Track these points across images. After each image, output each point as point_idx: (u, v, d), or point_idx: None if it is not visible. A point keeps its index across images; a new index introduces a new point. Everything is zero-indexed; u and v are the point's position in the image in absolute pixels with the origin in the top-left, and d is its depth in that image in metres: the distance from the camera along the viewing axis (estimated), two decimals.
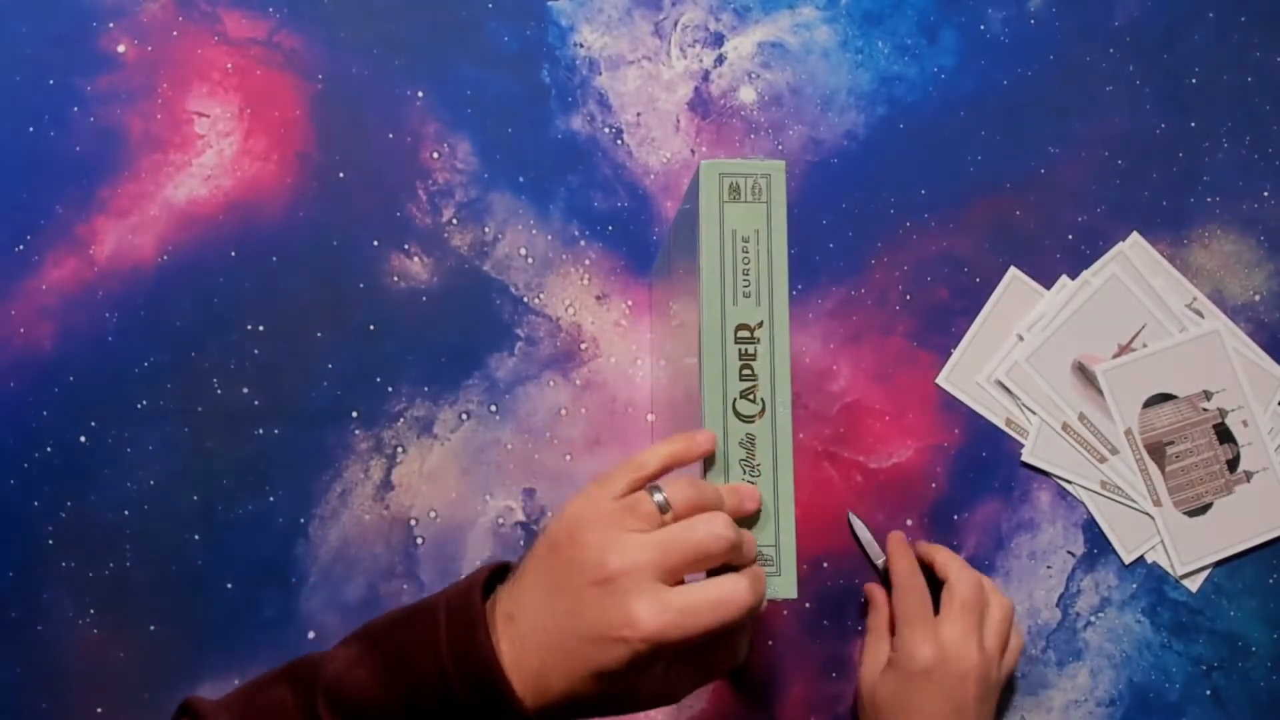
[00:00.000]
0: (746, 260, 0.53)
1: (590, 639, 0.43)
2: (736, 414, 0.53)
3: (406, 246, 0.69)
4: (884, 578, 0.69)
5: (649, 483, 0.48)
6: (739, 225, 0.53)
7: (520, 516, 0.68)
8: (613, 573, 0.43)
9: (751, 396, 0.53)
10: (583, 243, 0.71)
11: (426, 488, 0.68)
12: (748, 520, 0.51)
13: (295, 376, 0.68)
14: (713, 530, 0.45)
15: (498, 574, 0.48)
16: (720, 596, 0.44)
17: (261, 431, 0.68)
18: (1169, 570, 0.71)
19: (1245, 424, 0.72)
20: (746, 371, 0.53)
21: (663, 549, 0.44)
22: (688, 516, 0.46)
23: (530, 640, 0.44)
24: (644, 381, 0.70)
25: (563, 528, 0.46)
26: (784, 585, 0.54)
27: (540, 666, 0.44)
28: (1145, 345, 0.72)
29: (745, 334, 0.53)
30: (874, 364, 0.71)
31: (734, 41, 0.73)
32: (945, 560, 0.66)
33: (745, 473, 0.52)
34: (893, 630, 0.65)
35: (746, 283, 0.53)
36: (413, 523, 0.68)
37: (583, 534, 0.45)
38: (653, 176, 0.71)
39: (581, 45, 0.72)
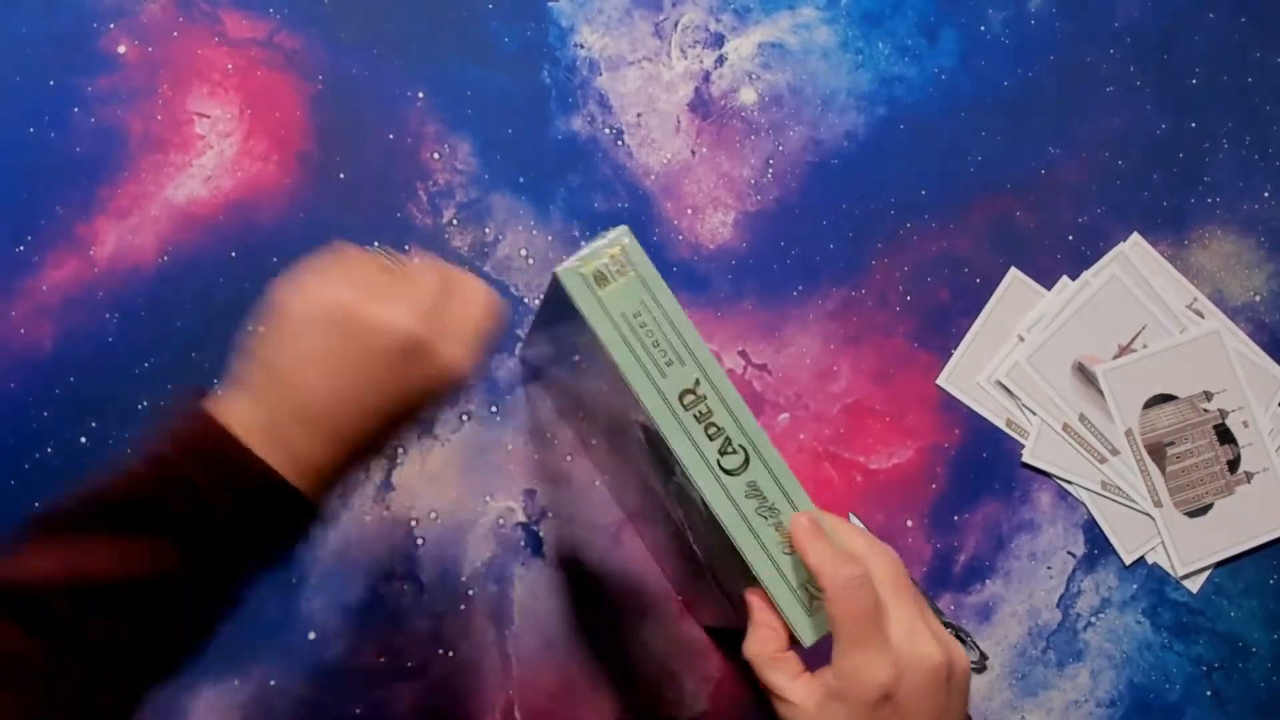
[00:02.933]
0: (650, 333, 0.52)
1: (401, 400, 0.46)
2: (725, 472, 0.51)
3: (406, 246, 0.69)
4: None
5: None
6: (624, 307, 0.52)
7: (521, 518, 0.68)
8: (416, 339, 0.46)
9: (729, 448, 0.51)
10: (583, 243, 0.70)
11: (427, 489, 0.68)
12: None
13: None
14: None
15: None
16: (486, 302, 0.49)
17: None
18: (1169, 571, 0.71)
19: (1246, 424, 0.72)
20: (712, 429, 0.52)
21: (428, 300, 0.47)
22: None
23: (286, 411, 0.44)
24: None
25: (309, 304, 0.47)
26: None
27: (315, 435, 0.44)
28: (1145, 346, 0.72)
29: (690, 397, 0.52)
30: (874, 364, 0.71)
31: (734, 42, 0.73)
32: (848, 532, 0.50)
33: (767, 518, 0.51)
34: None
35: (662, 352, 0.52)
36: (413, 523, 0.68)
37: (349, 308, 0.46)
38: (653, 177, 0.71)
39: (581, 46, 0.72)
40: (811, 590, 0.51)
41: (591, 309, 0.52)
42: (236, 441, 0.43)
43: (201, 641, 0.46)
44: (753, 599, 0.51)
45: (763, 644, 0.50)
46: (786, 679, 0.48)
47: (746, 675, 0.68)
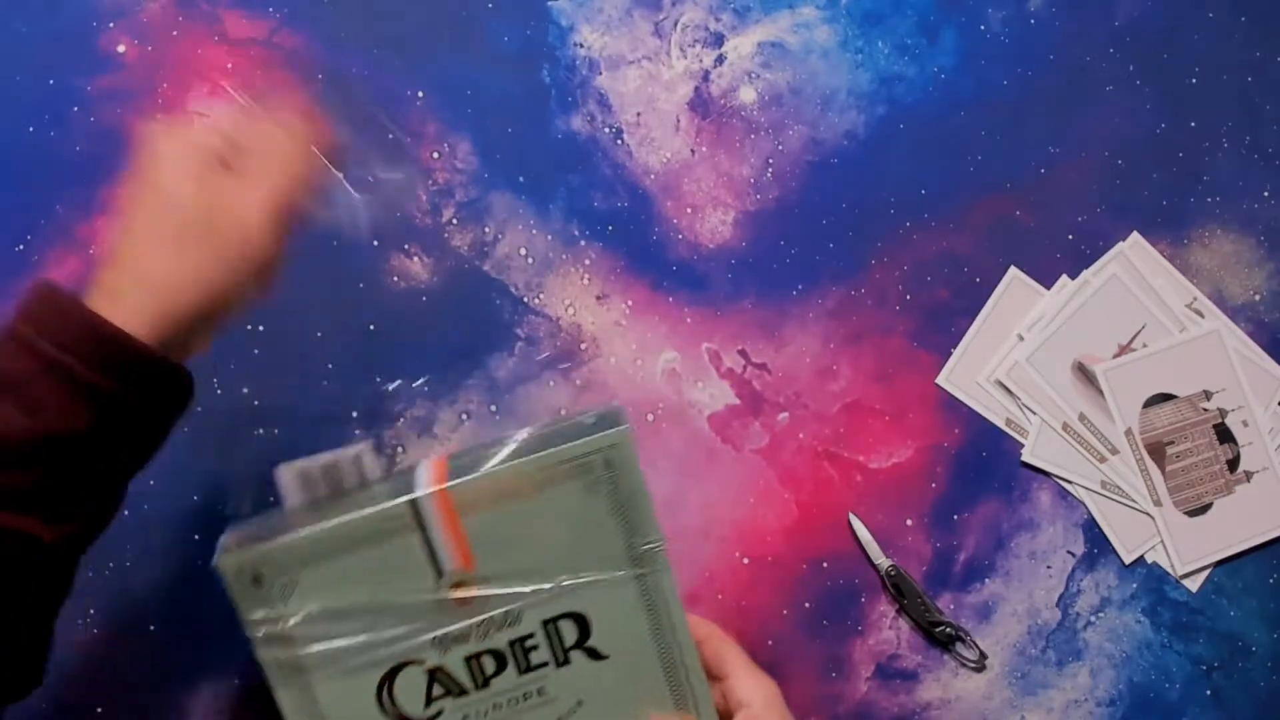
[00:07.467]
0: None
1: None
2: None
3: (406, 246, 0.69)
4: (885, 578, 0.69)
5: None
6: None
7: None
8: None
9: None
10: (583, 243, 0.71)
11: None
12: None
13: (295, 376, 0.68)
14: None
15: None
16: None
17: (261, 431, 0.68)
18: (1169, 570, 0.71)
19: (1245, 424, 0.72)
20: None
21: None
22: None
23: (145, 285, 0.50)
24: (644, 381, 0.70)
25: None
26: None
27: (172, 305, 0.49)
28: (1145, 345, 0.72)
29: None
30: (874, 364, 0.71)
31: (734, 41, 0.73)
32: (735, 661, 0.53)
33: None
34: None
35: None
36: None
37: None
38: (653, 176, 0.71)
39: (581, 45, 0.72)
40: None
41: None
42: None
43: (107, 512, 0.51)
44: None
45: None
46: None
47: None
